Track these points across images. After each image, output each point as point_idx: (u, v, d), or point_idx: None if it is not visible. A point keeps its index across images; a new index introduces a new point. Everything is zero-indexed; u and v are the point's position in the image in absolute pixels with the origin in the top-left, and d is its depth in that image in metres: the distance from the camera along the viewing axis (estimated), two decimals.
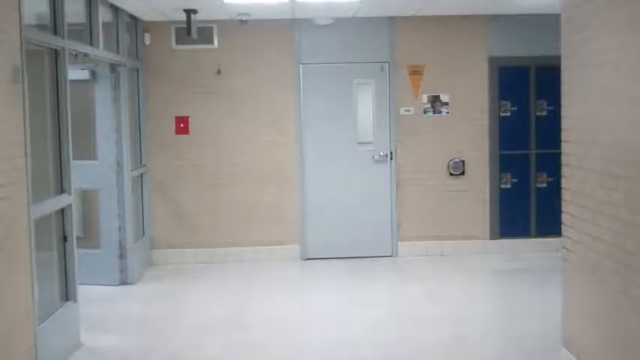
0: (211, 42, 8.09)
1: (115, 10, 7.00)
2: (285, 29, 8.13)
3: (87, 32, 6.28)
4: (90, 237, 7.46)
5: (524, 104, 8.26)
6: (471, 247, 8.31)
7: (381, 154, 8.24)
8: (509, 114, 8.28)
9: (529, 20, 7.98)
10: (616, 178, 3.99)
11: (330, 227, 8.23)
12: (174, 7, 7.08)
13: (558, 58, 4.86)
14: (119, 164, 7.21)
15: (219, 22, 8.02)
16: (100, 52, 6.43)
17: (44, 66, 5.31)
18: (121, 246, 7.28)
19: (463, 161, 8.23)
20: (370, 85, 8.23)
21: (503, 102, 8.24)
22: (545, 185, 8.25)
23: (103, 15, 6.61)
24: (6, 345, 4.12)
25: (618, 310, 4.00)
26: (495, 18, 8.09)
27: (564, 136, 4.81)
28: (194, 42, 7.82)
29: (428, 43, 8.19)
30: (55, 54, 5.31)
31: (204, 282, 7.47)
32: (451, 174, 8.25)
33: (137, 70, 7.84)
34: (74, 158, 5.51)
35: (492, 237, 8.31)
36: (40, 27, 5.21)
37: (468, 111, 8.24)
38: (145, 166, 8.06)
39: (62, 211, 5.38)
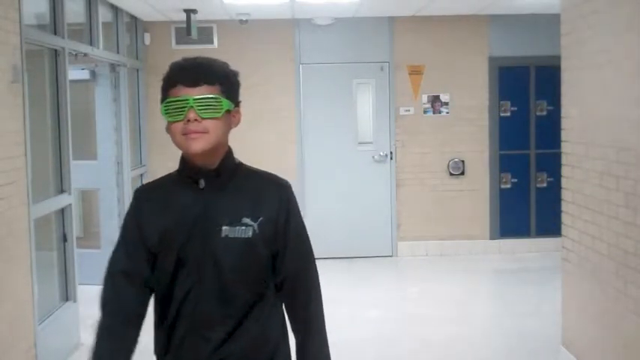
0: (211, 42, 8.08)
1: (115, 10, 7.00)
2: (285, 29, 8.13)
3: (87, 32, 6.28)
4: (90, 237, 7.46)
5: (524, 104, 8.26)
6: (471, 247, 8.30)
7: (381, 154, 8.23)
8: (509, 114, 8.27)
9: (529, 20, 7.98)
10: (616, 178, 3.99)
11: (329, 227, 8.20)
12: (174, 7, 7.08)
13: (558, 58, 4.86)
14: (119, 164, 7.21)
15: (219, 22, 8.02)
16: (100, 52, 6.43)
17: (44, 66, 5.31)
18: None
19: (463, 161, 8.22)
20: (370, 85, 8.22)
21: (503, 102, 8.24)
22: (545, 185, 8.24)
23: (103, 15, 6.61)
24: (6, 345, 4.12)
25: (618, 311, 4.00)
26: (495, 18, 8.09)
27: (564, 136, 4.81)
28: (194, 42, 7.82)
29: (428, 43, 8.19)
30: (55, 54, 5.31)
31: None
32: (451, 174, 8.24)
33: (137, 70, 7.84)
34: (74, 158, 5.51)
35: (492, 237, 8.30)
36: (40, 27, 5.21)
37: (468, 111, 8.23)
38: (145, 166, 8.06)
39: (62, 211, 5.38)
